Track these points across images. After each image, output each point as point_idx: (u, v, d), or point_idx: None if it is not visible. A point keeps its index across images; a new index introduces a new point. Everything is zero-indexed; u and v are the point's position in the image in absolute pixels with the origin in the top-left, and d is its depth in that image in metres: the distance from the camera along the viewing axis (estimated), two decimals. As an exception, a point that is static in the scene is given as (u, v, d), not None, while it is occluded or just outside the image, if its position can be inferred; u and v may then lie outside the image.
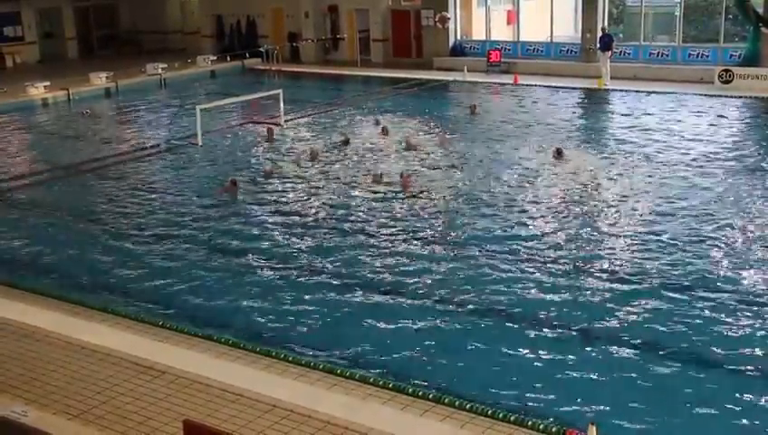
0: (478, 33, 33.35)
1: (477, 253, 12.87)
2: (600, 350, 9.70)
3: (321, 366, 9.00)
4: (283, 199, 16.21)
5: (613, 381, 8.99)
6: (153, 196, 16.89)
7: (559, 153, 18.34)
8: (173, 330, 10.06)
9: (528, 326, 10.33)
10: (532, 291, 11.35)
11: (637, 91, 26.26)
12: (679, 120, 22.37)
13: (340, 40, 35.66)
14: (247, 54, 34.80)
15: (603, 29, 28.53)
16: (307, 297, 11.41)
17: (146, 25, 41.26)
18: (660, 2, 31.44)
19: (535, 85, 28.14)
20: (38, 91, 28.26)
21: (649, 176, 16.90)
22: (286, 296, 11.47)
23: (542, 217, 14.60)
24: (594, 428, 7.29)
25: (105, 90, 29.89)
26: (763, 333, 9.96)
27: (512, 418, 7.81)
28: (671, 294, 11.07)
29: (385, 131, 21.27)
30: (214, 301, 11.42)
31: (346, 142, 20.21)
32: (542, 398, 8.60)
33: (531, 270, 12.09)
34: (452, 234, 13.89)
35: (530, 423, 7.71)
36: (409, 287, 11.63)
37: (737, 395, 8.64)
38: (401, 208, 15.24)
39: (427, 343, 9.98)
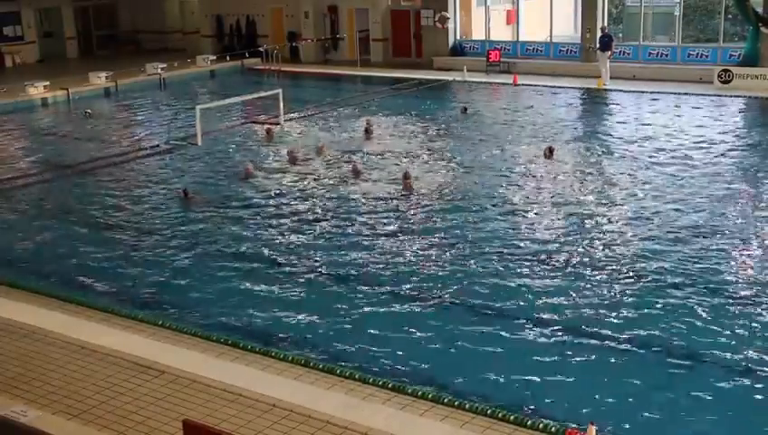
0: (478, 33, 33.36)
1: (475, 252, 12.88)
2: (600, 349, 9.69)
3: (320, 366, 9.00)
4: (279, 199, 16.22)
5: (613, 381, 8.99)
6: (153, 196, 16.90)
7: (551, 152, 18.32)
8: (173, 330, 10.06)
9: (527, 325, 10.34)
10: (529, 290, 11.36)
11: (636, 91, 26.26)
12: (678, 120, 22.38)
13: (339, 40, 35.66)
14: (247, 54, 34.79)
15: (603, 29, 28.52)
16: (305, 297, 11.42)
17: (145, 25, 41.27)
18: (660, 2, 31.44)
19: (535, 85, 28.13)
20: (38, 90, 28.23)
21: (647, 175, 16.90)
22: (286, 296, 11.48)
23: (539, 216, 14.60)
24: (594, 428, 7.30)
25: (105, 90, 29.87)
26: (763, 332, 9.97)
27: (512, 418, 7.81)
28: (670, 294, 11.08)
29: (369, 133, 21.27)
30: (213, 301, 11.42)
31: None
32: (542, 398, 8.60)
33: (527, 269, 12.10)
34: (448, 233, 13.89)
35: (530, 423, 7.72)
36: (408, 287, 11.64)
37: (738, 395, 8.65)
38: (400, 208, 15.24)
39: (425, 342, 9.99)
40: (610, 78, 27.31)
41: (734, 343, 9.72)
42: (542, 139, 20.19)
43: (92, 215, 15.78)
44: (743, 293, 11.08)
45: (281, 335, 10.26)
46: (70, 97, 28.67)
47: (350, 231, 14.12)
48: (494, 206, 15.26)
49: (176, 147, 21.23)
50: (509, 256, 12.65)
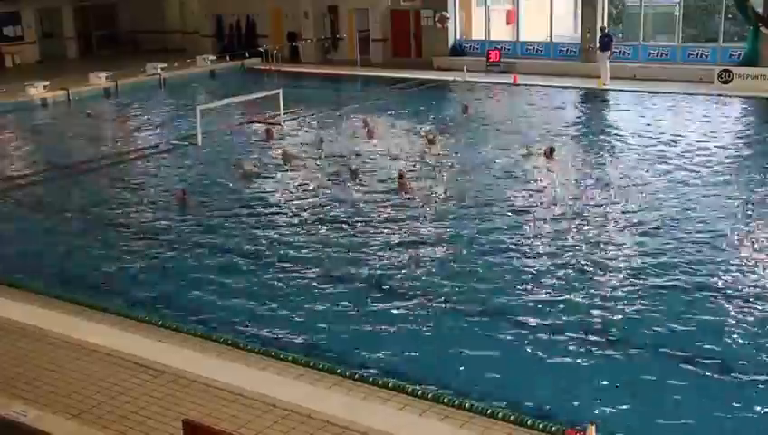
0: (478, 33, 33.37)
1: (473, 252, 12.87)
2: (600, 349, 9.68)
3: (321, 366, 8.99)
4: (277, 199, 16.23)
5: (613, 380, 8.99)
6: (152, 196, 16.89)
7: (551, 152, 18.31)
8: (173, 330, 10.05)
9: (527, 326, 10.33)
10: (529, 290, 11.35)
11: (636, 91, 26.27)
12: (678, 120, 22.39)
13: (339, 40, 35.68)
14: (247, 54, 34.82)
15: (603, 29, 28.55)
16: (306, 297, 11.41)
17: (145, 25, 41.29)
18: (660, 2, 31.45)
19: (534, 85, 28.14)
20: (38, 91, 28.24)
21: (647, 175, 16.89)
22: (286, 296, 11.47)
23: (538, 216, 14.56)
24: (594, 428, 7.29)
25: (105, 90, 29.88)
26: (763, 333, 9.97)
27: (511, 418, 7.80)
28: (671, 294, 11.07)
29: (370, 133, 21.28)
30: (213, 301, 11.41)
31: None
32: (542, 398, 8.60)
33: (527, 269, 12.08)
34: (447, 233, 13.88)
35: (530, 423, 7.71)
36: (408, 287, 11.62)
37: (737, 395, 8.65)
38: (397, 208, 15.23)
39: (425, 342, 9.98)
40: (610, 78, 27.32)
41: (735, 343, 9.72)
42: (541, 139, 20.17)
43: (92, 215, 15.78)
44: (745, 294, 11.05)
45: (281, 335, 10.25)
46: (70, 97, 28.68)
47: (346, 231, 14.11)
48: (493, 206, 15.25)
49: (176, 147, 21.24)
50: (508, 256, 12.63)
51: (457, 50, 32.76)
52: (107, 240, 14.24)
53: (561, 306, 10.81)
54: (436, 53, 32.54)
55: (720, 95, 25.23)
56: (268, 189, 16.95)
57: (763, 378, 8.96)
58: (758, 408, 8.41)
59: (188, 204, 15.99)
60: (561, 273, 11.92)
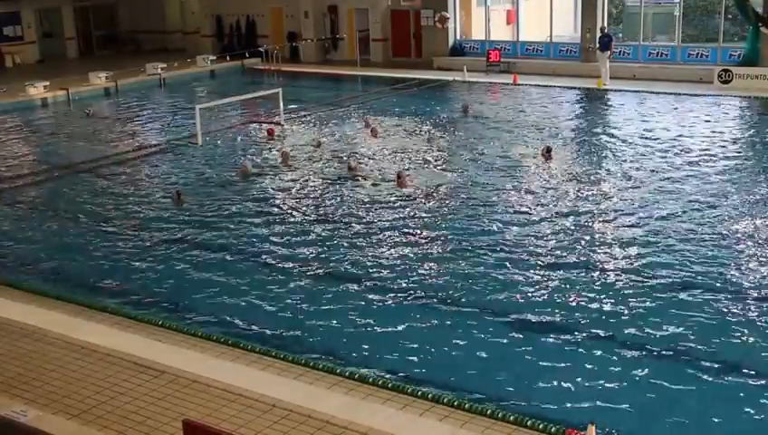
0: (478, 33, 33.38)
1: (472, 252, 12.85)
2: (600, 349, 9.69)
3: (320, 366, 9.00)
4: (276, 198, 16.23)
5: (613, 381, 8.99)
6: (152, 195, 16.90)
7: (548, 152, 18.30)
8: (173, 330, 10.06)
9: (526, 326, 10.33)
10: (527, 290, 11.34)
11: (636, 91, 26.27)
12: (678, 120, 22.38)
13: (339, 40, 35.69)
14: (247, 54, 34.83)
15: (602, 29, 28.56)
16: (304, 297, 11.42)
17: (145, 25, 41.31)
18: (660, 2, 31.46)
19: (534, 85, 28.15)
20: (38, 90, 28.24)
21: (647, 175, 16.89)
22: (286, 296, 11.47)
23: (537, 216, 14.55)
24: (594, 428, 7.30)
25: (105, 90, 29.89)
26: (763, 333, 9.97)
27: (511, 418, 7.81)
28: (671, 294, 11.07)
29: (374, 132, 21.30)
30: (214, 301, 11.42)
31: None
32: (541, 398, 8.60)
33: (525, 269, 12.06)
34: (445, 233, 13.88)
35: (530, 423, 7.72)
36: (408, 287, 11.62)
37: (737, 395, 8.65)
38: (397, 207, 15.24)
39: (425, 342, 9.98)
40: (610, 78, 27.33)
41: (737, 344, 9.71)
42: (541, 139, 20.18)
43: (91, 215, 15.77)
44: (746, 293, 11.05)
45: (280, 335, 10.25)
46: (70, 97, 28.68)
47: (345, 230, 14.11)
48: (491, 206, 15.25)
49: (176, 147, 21.23)
50: (506, 256, 12.62)
51: (457, 50, 32.76)
52: (106, 240, 14.23)
53: (561, 306, 10.81)
54: (436, 53, 32.54)
55: (720, 95, 25.23)
56: (267, 189, 16.96)
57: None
58: (761, 409, 8.43)
59: (184, 204, 15.97)
60: (559, 272, 11.91)
